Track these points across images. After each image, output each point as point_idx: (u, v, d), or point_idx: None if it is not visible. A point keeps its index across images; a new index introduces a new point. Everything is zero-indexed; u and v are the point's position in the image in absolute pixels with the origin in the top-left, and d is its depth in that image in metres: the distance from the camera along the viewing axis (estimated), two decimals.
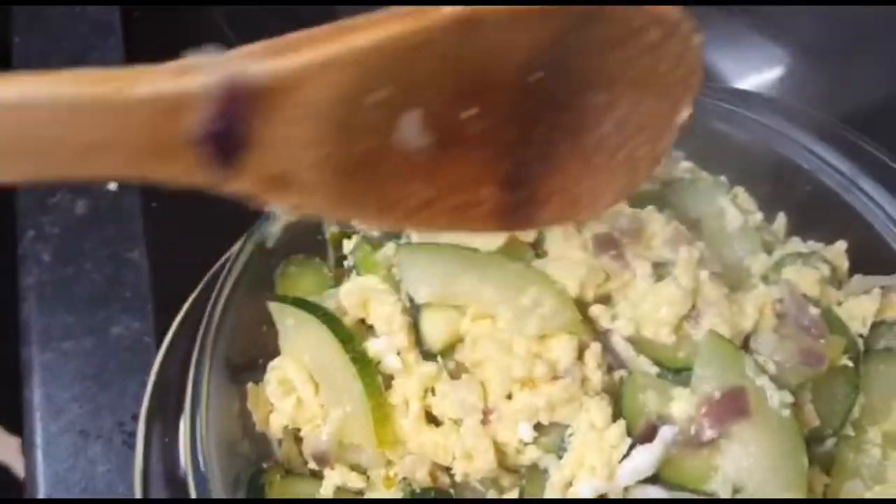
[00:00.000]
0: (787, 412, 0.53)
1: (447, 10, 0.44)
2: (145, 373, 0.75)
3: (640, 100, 0.52)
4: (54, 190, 0.85)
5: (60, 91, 0.38)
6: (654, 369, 0.57)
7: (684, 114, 0.54)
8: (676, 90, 0.53)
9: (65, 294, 0.79)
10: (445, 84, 0.46)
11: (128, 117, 0.39)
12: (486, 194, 0.52)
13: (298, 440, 0.62)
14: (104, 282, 0.80)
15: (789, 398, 0.54)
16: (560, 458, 0.55)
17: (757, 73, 0.97)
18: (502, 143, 0.50)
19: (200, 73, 0.40)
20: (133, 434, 0.73)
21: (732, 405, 0.53)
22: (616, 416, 0.55)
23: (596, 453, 0.54)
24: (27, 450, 0.73)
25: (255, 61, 0.41)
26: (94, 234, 0.82)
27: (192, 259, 0.76)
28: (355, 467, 0.59)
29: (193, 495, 0.53)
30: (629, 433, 0.54)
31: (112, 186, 0.85)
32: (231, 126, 0.41)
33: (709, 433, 0.53)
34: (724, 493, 0.52)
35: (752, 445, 0.52)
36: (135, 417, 0.74)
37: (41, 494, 0.71)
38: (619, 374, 0.57)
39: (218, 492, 0.52)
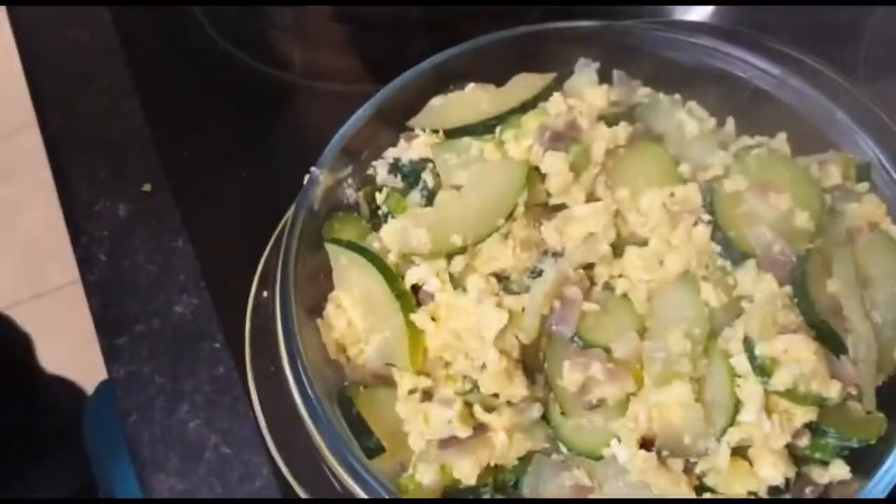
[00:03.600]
0: None
1: None
2: (212, 340, 0.87)
3: None
4: (95, 199, 0.94)
5: None
6: None
7: None
8: None
9: (126, 286, 0.89)
10: None
11: None
12: None
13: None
14: (157, 270, 0.90)
15: None
16: None
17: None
18: None
19: None
20: (215, 390, 0.84)
21: None
22: None
23: None
24: (123, 420, 0.83)
25: None
26: (140, 232, 0.92)
27: (228, 238, 0.88)
28: (421, 371, 0.71)
29: (303, 410, 0.65)
30: None
31: (146, 188, 0.95)
32: None
33: None
34: None
35: None
36: (212, 378, 0.85)
37: (144, 452, 0.81)
38: None
39: (324, 400, 0.64)
